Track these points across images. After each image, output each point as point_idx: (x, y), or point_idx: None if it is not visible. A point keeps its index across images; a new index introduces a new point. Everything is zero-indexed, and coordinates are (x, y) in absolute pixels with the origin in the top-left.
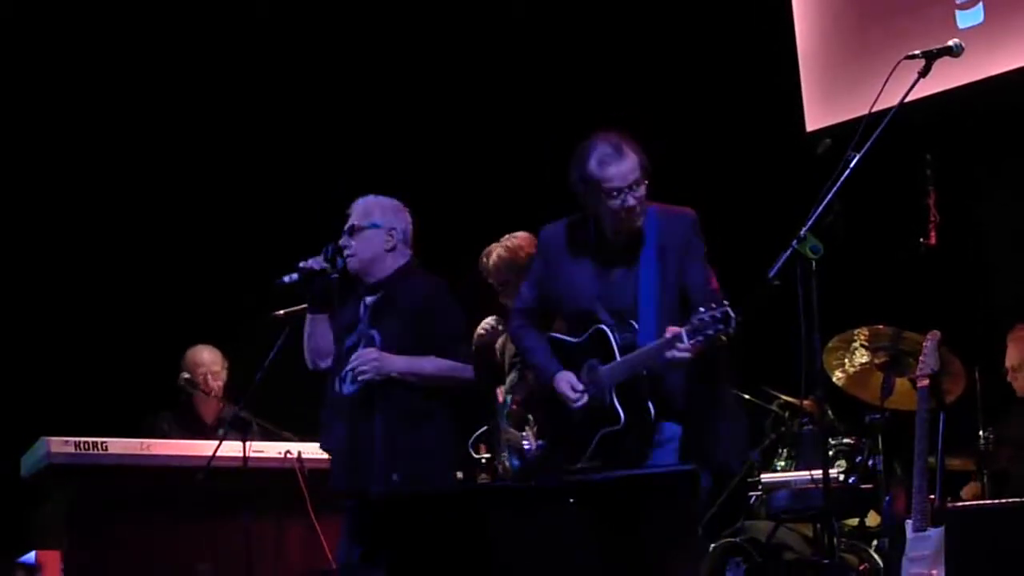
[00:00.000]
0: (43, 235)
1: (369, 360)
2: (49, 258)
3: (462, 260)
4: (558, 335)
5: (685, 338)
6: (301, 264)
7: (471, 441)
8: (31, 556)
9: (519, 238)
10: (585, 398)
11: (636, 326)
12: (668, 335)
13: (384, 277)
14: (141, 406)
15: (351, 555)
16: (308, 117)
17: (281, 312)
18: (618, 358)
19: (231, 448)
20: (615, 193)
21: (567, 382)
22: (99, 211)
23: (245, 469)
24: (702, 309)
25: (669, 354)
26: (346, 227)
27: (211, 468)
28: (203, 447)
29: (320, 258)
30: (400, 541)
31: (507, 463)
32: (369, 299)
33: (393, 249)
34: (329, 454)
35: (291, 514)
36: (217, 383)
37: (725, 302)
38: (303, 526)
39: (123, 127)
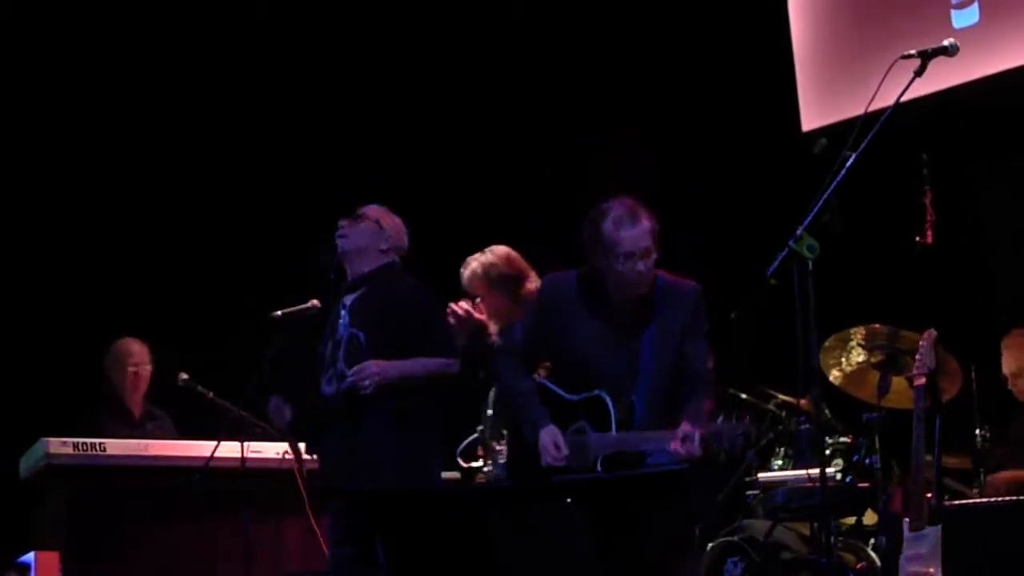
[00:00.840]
0: (40, 237)
1: (371, 374)
2: (45, 260)
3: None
4: (550, 384)
5: (696, 439)
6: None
7: (459, 450)
8: (30, 556)
9: (496, 254)
10: (563, 462)
11: (634, 402)
12: (681, 432)
13: (366, 272)
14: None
15: (342, 555)
16: (301, 119)
17: (278, 313)
18: (614, 431)
19: (229, 449)
20: (626, 257)
21: (551, 438)
22: (96, 213)
23: (243, 470)
24: (721, 420)
25: (675, 447)
26: (354, 213)
27: (209, 468)
28: (201, 448)
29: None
30: (398, 539)
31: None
32: (349, 298)
33: (384, 252)
34: (318, 455)
35: (289, 515)
36: (146, 376)
37: (747, 419)
38: (301, 527)
39: (113, 133)
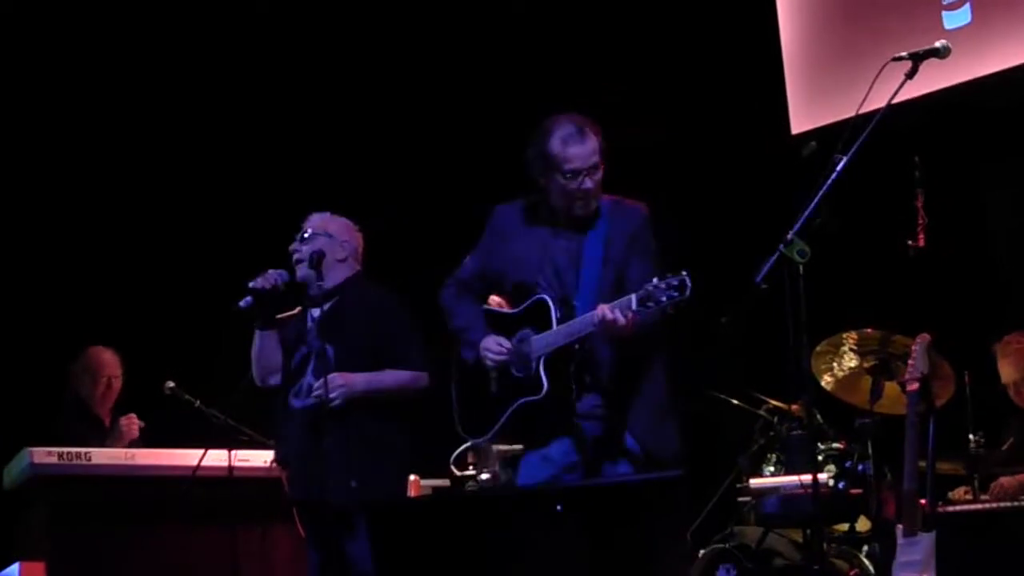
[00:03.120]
0: (23, 246)
1: (336, 387)
2: (27, 269)
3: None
4: (495, 308)
5: (634, 302)
6: (251, 284)
7: (452, 458)
8: (14, 567)
9: None
10: (506, 356)
11: (575, 304)
12: (602, 309)
13: (332, 287)
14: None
15: (312, 562)
16: (283, 123)
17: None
18: (554, 326)
19: (216, 457)
20: (572, 174)
21: (494, 340)
22: (77, 219)
23: (230, 478)
24: (656, 279)
25: (602, 311)
26: (298, 235)
27: (196, 477)
28: (188, 456)
29: (272, 276)
30: (380, 549)
31: (502, 476)
32: (316, 311)
33: (343, 260)
34: (285, 466)
35: (277, 523)
36: (118, 387)
37: (683, 272)
38: (289, 535)
39: (103, 142)
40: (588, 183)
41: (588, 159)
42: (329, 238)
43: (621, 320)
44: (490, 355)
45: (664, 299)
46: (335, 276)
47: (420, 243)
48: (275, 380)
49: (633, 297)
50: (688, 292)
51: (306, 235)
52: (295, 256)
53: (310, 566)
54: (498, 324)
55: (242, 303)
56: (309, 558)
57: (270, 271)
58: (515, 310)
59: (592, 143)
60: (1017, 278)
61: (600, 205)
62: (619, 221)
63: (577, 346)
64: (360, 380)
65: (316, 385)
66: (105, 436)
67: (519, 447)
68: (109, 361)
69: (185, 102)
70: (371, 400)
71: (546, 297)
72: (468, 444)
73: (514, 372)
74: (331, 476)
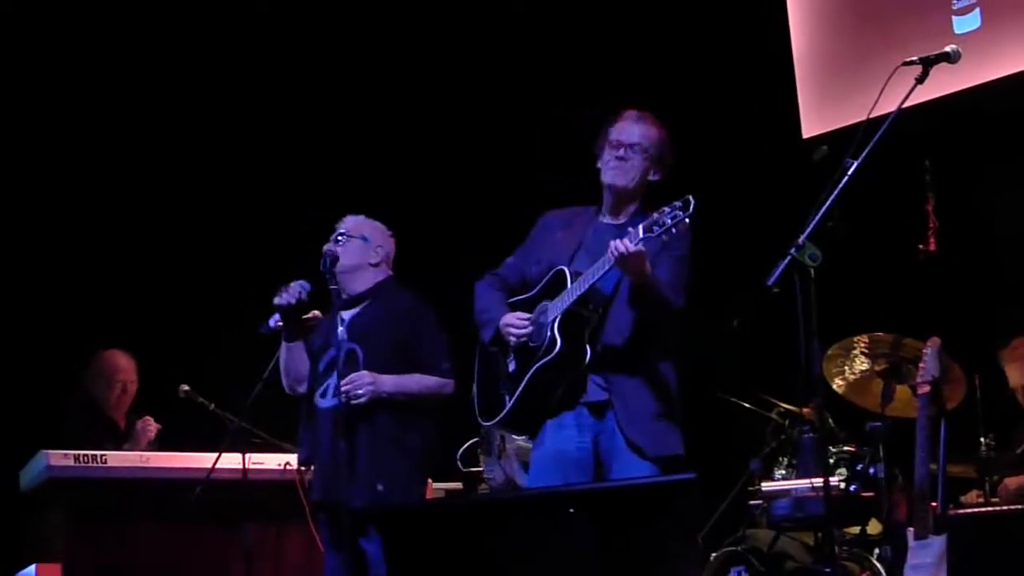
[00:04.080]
0: (41, 249)
1: (364, 384)
2: (44, 273)
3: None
4: (518, 297)
5: (641, 231)
6: (276, 302)
7: (459, 454)
8: (31, 569)
9: None
10: (529, 328)
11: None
12: (613, 244)
13: (363, 290)
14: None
15: (331, 564)
16: (299, 124)
17: (281, 323)
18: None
19: (230, 460)
20: (614, 145)
21: (514, 315)
22: (94, 223)
23: (245, 481)
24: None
25: (613, 245)
26: (334, 235)
27: (210, 480)
28: (202, 459)
29: (295, 289)
30: (395, 553)
31: (516, 479)
32: (347, 314)
33: (376, 265)
34: (309, 467)
35: (291, 526)
36: (133, 392)
37: (688, 197)
38: (303, 537)
39: (123, 144)
40: (624, 153)
41: (633, 136)
42: (364, 241)
43: (631, 246)
44: (512, 330)
45: (669, 220)
46: (366, 280)
47: (419, 244)
48: (303, 388)
49: (640, 226)
50: (692, 209)
51: (340, 237)
52: (327, 255)
53: (327, 569)
54: (521, 309)
55: (270, 323)
56: (326, 561)
57: (292, 284)
58: (535, 290)
59: (647, 127)
60: None
61: (642, 210)
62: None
63: (591, 307)
64: (388, 381)
65: (343, 383)
66: (120, 439)
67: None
68: (124, 365)
69: (201, 104)
70: (396, 403)
71: (564, 269)
72: (474, 440)
73: (531, 343)
74: (356, 478)
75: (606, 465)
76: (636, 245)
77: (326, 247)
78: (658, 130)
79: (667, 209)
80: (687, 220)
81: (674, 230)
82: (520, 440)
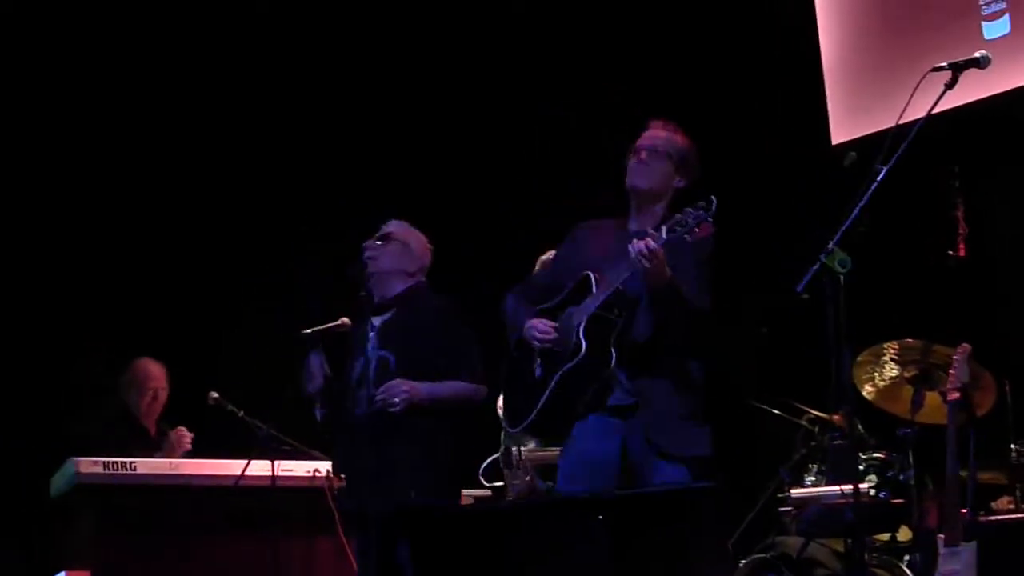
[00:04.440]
0: (68, 257)
1: (400, 392)
2: (72, 281)
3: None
4: (544, 306)
5: (664, 232)
6: (310, 390)
7: (482, 469)
8: None
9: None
10: (553, 334)
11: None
12: (633, 245)
13: (394, 295)
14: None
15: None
16: (326, 133)
17: (308, 331)
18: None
19: (259, 467)
20: (634, 151)
21: (540, 321)
22: (122, 230)
23: (273, 488)
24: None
25: (631, 246)
26: (380, 233)
27: (239, 487)
28: (231, 466)
29: (318, 373)
30: (426, 560)
31: (538, 485)
32: (377, 320)
33: (412, 274)
34: (343, 475)
35: (320, 533)
36: (164, 399)
37: (710, 197)
38: (332, 545)
39: (152, 156)
40: (646, 157)
41: (656, 141)
42: (404, 246)
43: (652, 245)
44: (536, 334)
45: (692, 220)
46: (396, 286)
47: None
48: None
49: (663, 227)
50: (714, 208)
51: (383, 238)
52: (367, 253)
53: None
54: (547, 316)
55: (317, 414)
56: (359, 570)
57: (314, 368)
58: (561, 296)
59: (669, 135)
60: None
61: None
62: (682, 244)
63: (616, 311)
64: (424, 389)
65: (379, 391)
66: (150, 447)
67: (554, 451)
68: (156, 373)
69: (227, 116)
70: (428, 410)
71: (590, 274)
72: (495, 456)
73: (556, 348)
74: (389, 487)
75: (635, 472)
76: (659, 245)
77: (366, 243)
78: (682, 138)
79: (689, 209)
80: (710, 220)
81: (697, 230)
82: (534, 447)
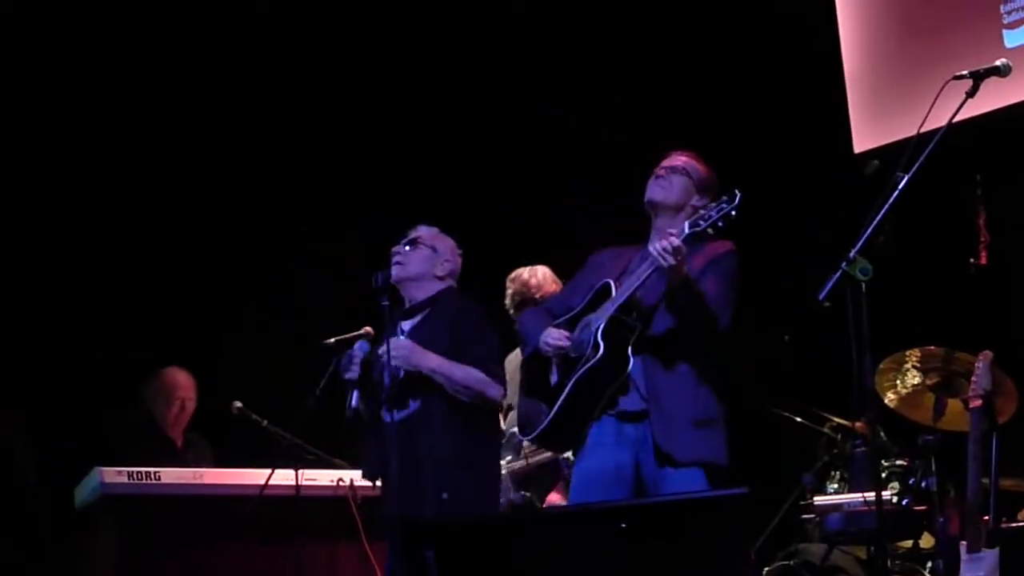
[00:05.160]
0: (89, 266)
1: (400, 348)
2: (94, 291)
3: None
4: (562, 318)
5: (687, 227)
6: (347, 377)
7: None
8: None
9: (539, 276)
10: (565, 343)
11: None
12: (654, 245)
13: (424, 299)
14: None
15: None
16: (347, 140)
17: (331, 340)
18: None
19: (283, 476)
20: (655, 172)
21: (554, 330)
22: (143, 240)
23: (297, 497)
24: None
25: (651, 247)
26: (408, 237)
27: (263, 497)
28: (255, 476)
29: (358, 358)
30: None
31: (512, 497)
32: (407, 324)
33: (441, 279)
34: (373, 480)
35: (344, 542)
36: (191, 409)
37: (735, 191)
38: (356, 554)
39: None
40: (665, 174)
41: (672, 161)
42: (433, 252)
43: (675, 241)
44: (550, 340)
45: (715, 213)
46: (425, 290)
47: None
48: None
49: (686, 223)
50: (738, 200)
51: (411, 243)
52: (395, 258)
53: None
54: (565, 327)
55: (352, 403)
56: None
57: (355, 353)
58: (580, 306)
59: (689, 159)
60: None
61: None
62: (704, 249)
63: (634, 315)
64: (433, 358)
65: (381, 351)
66: (177, 457)
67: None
68: (183, 382)
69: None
70: (458, 414)
71: (609, 282)
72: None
73: (572, 355)
74: (421, 489)
75: (648, 483)
76: (681, 240)
77: (395, 248)
78: (703, 164)
79: (712, 204)
80: (733, 213)
81: (720, 223)
82: (511, 458)
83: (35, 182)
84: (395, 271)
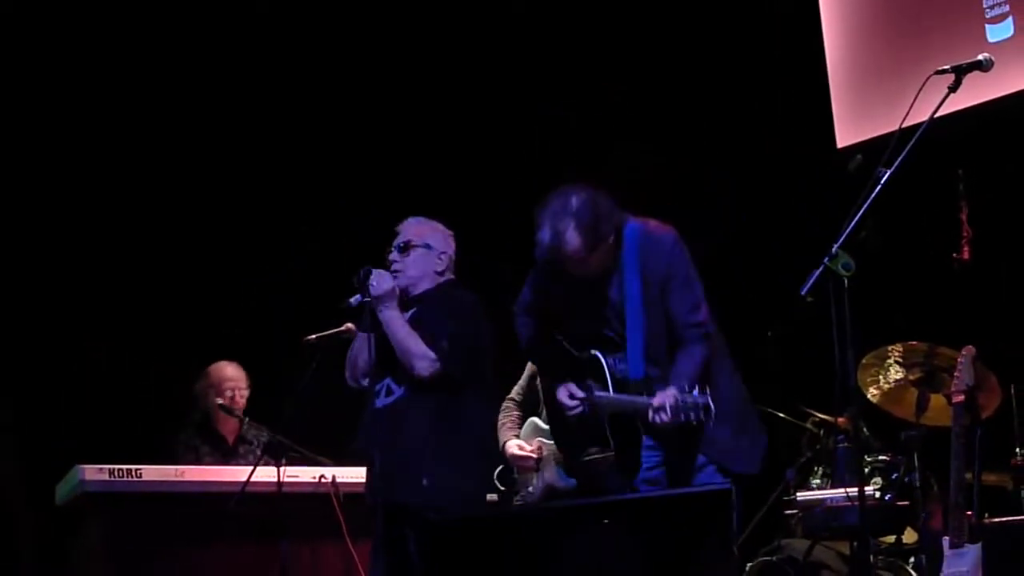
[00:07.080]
0: (74, 266)
1: (382, 278)
2: (79, 289)
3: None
4: (563, 340)
5: (668, 411)
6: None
7: (496, 474)
8: None
9: None
10: (580, 409)
11: (628, 361)
12: (655, 403)
13: (420, 293)
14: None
15: (378, 566)
16: (333, 136)
17: (312, 337)
18: (611, 389)
19: (265, 474)
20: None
21: (566, 391)
22: (129, 239)
23: (280, 495)
24: (696, 393)
25: (652, 416)
26: (397, 243)
27: (246, 494)
28: (237, 473)
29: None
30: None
31: (557, 484)
32: (405, 316)
33: (441, 273)
34: (371, 466)
35: (327, 539)
36: (242, 400)
37: (708, 394)
38: (339, 551)
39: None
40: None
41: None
42: (428, 249)
43: (665, 418)
44: (566, 403)
45: (692, 417)
46: (426, 283)
47: None
48: (366, 382)
49: (668, 406)
50: (711, 417)
51: (403, 246)
52: (393, 266)
53: (373, 573)
54: (565, 360)
55: (351, 301)
56: (372, 564)
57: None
58: (577, 354)
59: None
60: None
61: (628, 235)
62: (650, 257)
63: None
64: (395, 314)
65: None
66: (226, 453)
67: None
68: (232, 374)
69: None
70: (444, 401)
71: (598, 355)
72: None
73: (585, 411)
74: (404, 475)
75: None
76: (667, 421)
77: (390, 256)
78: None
79: (691, 404)
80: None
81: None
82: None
83: (35, 182)
84: (396, 280)
